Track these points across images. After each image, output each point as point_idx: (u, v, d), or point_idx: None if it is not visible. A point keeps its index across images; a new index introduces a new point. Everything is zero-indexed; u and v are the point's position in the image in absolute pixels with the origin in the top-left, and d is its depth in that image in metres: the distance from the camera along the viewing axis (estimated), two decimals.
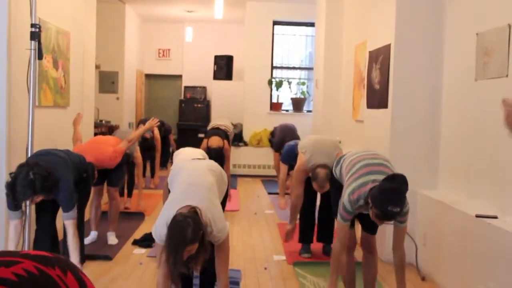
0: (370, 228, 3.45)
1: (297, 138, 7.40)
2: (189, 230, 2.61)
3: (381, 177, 2.95)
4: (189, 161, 3.65)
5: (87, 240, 4.92)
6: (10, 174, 3.26)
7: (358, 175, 3.11)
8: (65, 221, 3.40)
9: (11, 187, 3.14)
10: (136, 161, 6.21)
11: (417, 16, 4.62)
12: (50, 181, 3.22)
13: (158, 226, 2.84)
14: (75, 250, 3.36)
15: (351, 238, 3.39)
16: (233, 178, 9.16)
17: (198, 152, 4.89)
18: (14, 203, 3.27)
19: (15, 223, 3.35)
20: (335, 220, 3.32)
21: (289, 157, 6.02)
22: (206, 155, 4.80)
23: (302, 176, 4.59)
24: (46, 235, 3.72)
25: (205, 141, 6.72)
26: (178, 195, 3.00)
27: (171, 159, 9.81)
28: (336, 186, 3.51)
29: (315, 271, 4.35)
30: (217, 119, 8.52)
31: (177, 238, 2.61)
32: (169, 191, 3.41)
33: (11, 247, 3.29)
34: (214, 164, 3.47)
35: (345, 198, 3.10)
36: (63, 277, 1.04)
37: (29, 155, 4.02)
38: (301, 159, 4.58)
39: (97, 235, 5.10)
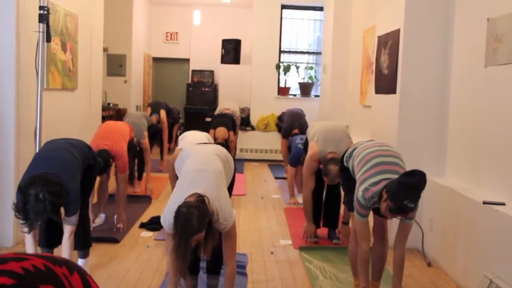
0: None
1: (305, 124, 7.40)
2: (194, 220, 2.64)
3: (393, 176, 2.97)
4: (196, 146, 3.64)
5: (95, 223, 4.97)
6: (20, 188, 2.96)
7: (371, 173, 3.10)
8: (64, 224, 3.29)
9: (24, 213, 2.89)
10: (144, 146, 6.32)
11: (426, 1, 4.57)
12: (62, 198, 3.03)
13: (166, 214, 2.86)
14: (67, 251, 3.26)
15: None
16: (240, 163, 9.19)
17: (204, 136, 4.91)
18: (27, 226, 2.98)
19: (29, 235, 3.13)
20: (352, 219, 3.27)
21: (297, 161, 6.06)
22: (211, 139, 4.82)
23: (314, 166, 4.55)
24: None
25: (211, 131, 6.84)
26: (186, 181, 3.00)
27: (177, 144, 9.86)
28: (347, 175, 3.51)
29: (321, 256, 4.37)
30: (225, 103, 8.54)
31: (183, 229, 2.64)
32: (176, 177, 3.43)
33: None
34: (221, 149, 3.47)
35: (359, 194, 3.09)
36: (69, 276, 1.10)
37: (38, 137, 4.04)
38: (313, 148, 4.56)
39: (105, 217, 5.13)
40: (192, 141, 4.54)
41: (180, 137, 4.98)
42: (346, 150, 3.61)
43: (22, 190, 2.92)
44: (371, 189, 3.04)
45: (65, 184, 3.09)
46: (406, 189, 2.80)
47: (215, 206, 2.81)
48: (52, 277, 1.07)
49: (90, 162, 3.66)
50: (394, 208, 2.85)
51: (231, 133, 6.91)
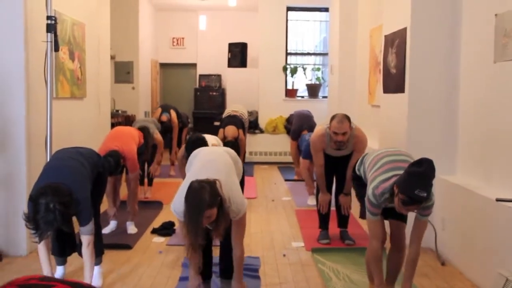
0: (399, 214, 3.23)
1: (314, 125, 7.41)
2: (206, 194, 2.69)
3: None
4: (204, 147, 3.73)
5: (107, 229, 4.99)
6: (31, 198, 2.98)
7: (382, 170, 3.09)
8: (82, 235, 3.29)
9: (34, 223, 2.91)
10: (156, 142, 6.33)
11: None
12: (72, 208, 3.04)
13: (176, 202, 2.89)
14: (88, 262, 3.27)
15: (382, 231, 3.29)
16: (249, 166, 9.20)
17: (213, 138, 4.97)
18: (37, 236, 2.99)
19: (42, 244, 3.15)
20: (366, 219, 3.25)
21: (310, 153, 6.05)
22: (220, 142, 4.87)
23: (320, 141, 4.59)
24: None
25: (221, 131, 6.93)
26: (196, 170, 3.07)
27: None
28: (361, 184, 3.48)
29: (334, 257, 4.35)
30: (232, 105, 8.56)
31: (195, 202, 2.68)
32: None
33: (46, 270, 3.17)
34: (230, 150, 3.53)
35: (369, 192, 3.08)
36: None
37: (48, 145, 4.07)
38: (318, 128, 4.73)
39: (117, 224, 5.15)
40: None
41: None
42: (360, 158, 3.62)
43: (33, 200, 2.94)
44: (381, 186, 3.02)
45: (75, 194, 3.10)
46: (415, 178, 2.78)
47: (226, 192, 2.86)
48: None
49: (100, 170, 3.68)
50: (406, 199, 2.81)
51: (240, 131, 6.95)
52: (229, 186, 2.91)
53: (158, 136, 6.36)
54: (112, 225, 5.12)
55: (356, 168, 3.56)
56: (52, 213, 2.88)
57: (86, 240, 3.27)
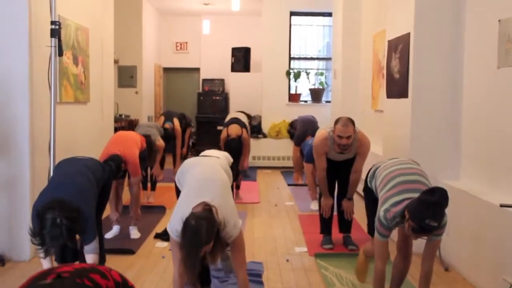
0: None
1: None
2: (203, 232, 2.63)
3: (416, 195, 2.87)
4: (200, 158, 3.65)
5: (109, 234, 4.99)
6: (37, 213, 2.94)
7: (394, 192, 3.03)
8: (86, 254, 3.24)
9: (40, 238, 2.88)
10: (159, 147, 6.32)
11: (436, 4, 4.55)
12: (79, 224, 2.99)
13: (173, 222, 2.86)
14: None
15: (388, 253, 3.23)
16: (252, 170, 9.19)
17: (223, 154, 4.94)
18: (43, 251, 2.96)
19: (46, 261, 3.12)
20: (373, 238, 3.20)
21: (313, 157, 6.04)
22: (230, 158, 4.86)
23: (322, 145, 4.57)
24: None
25: (224, 130, 6.77)
26: (193, 191, 3.00)
27: (191, 151, 9.90)
28: (372, 199, 3.44)
29: (337, 262, 4.34)
30: (233, 113, 8.54)
31: (192, 241, 2.64)
32: (176, 189, 3.45)
33: None
34: (223, 159, 3.51)
35: (381, 214, 3.02)
36: (108, 270, 1.65)
37: (52, 150, 4.07)
38: (320, 131, 4.73)
39: (120, 229, 5.15)
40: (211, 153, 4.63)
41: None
42: (369, 170, 3.57)
43: (40, 214, 2.90)
44: (392, 210, 2.96)
45: (81, 210, 3.07)
46: (427, 208, 2.71)
47: (222, 215, 2.81)
48: (97, 270, 1.51)
49: (104, 183, 3.67)
50: (417, 228, 2.76)
51: (244, 130, 6.79)
52: (225, 209, 2.85)
53: (160, 142, 6.35)
54: (115, 229, 5.12)
55: (368, 180, 3.52)
56: (58, 228, 2.84)
57: (91, 259, 3.22)
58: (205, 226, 2.64)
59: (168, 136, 7.31)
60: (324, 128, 4.76)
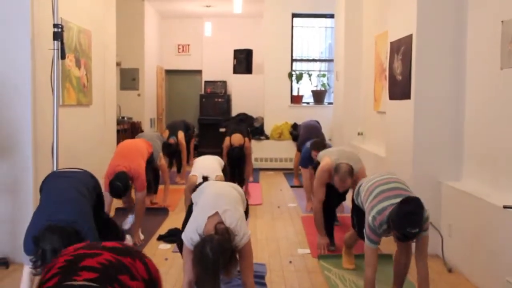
0: None
1: (322, 137, 7.37)
2: (221, 261, 2.70)
3: (397, 200, 3.06)
4: (213, 181, 3.90)
5: (127, 224, 5.06)
6: (35, 240, 2.81)
7: (378, 200, 3.21)
8: None
9: (42, 259, 2.75)
10: (162, 168, 6.27)
11: (439, 5, 4.55)
12: (77, 241, 2.80)
13: (188, 232, 2.95)
14: None
15: (377, 260, 3.30)
16: (255, 172, 9.18)
17: (215, 159, 5.07)
18: (37, 265, 2.80)
19: (29, 269, 2.96)
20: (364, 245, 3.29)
21: (308, 160, 6.06)
22: (222, 162, 5.11)
23: (325, 177, 4.54)
24: None
25: (227, 138, 7.04)
26: (208, 203, 3.10)
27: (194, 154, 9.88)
28: (360, 214, 3.57)
29: (340, 264, 4.33)
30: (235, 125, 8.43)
31: (211, 267, 2.69)
32: (190, 205, 3.54)
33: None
34: (236, 185, 3.57)
35: (370, 220, 3.18)
36: (133, 262, 1.42)
37: (55, 153, 4.08)
38: (325, 160, 4.61)
39: (134, 218, 5.15)
40: (204, 164, 4.87)
41: (194, 161, 5.13)
42: (356, 188, 3.72)
43: (37, 243, 2.79)
44: (378, 218, 3.13)
45: (79, 227, 2.99)
46: (404, 217, 2.92)
47: (233, 226, 2.90)
48: (124, 268, 1.37)
49: (97, 191, 3.64)
50: (400, 236, 2.99)
51: (246, 139, 7.09)
52: (236, 220, 2.95)
53: (162, 162, 6.24)
54: (131, 219, 5.18)
55: (354, 198, 3.70)
56: (59, 250, 2.67)
57: None
58: (223, 255, 2.72)
59: (173, 151, 7.46)
60: (329, 156, 4.61)
